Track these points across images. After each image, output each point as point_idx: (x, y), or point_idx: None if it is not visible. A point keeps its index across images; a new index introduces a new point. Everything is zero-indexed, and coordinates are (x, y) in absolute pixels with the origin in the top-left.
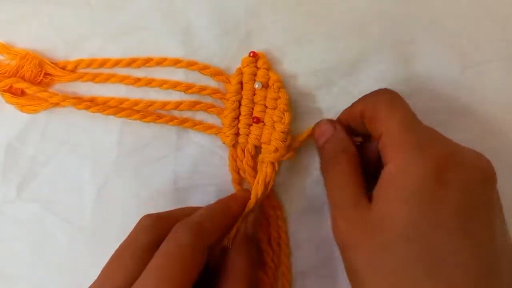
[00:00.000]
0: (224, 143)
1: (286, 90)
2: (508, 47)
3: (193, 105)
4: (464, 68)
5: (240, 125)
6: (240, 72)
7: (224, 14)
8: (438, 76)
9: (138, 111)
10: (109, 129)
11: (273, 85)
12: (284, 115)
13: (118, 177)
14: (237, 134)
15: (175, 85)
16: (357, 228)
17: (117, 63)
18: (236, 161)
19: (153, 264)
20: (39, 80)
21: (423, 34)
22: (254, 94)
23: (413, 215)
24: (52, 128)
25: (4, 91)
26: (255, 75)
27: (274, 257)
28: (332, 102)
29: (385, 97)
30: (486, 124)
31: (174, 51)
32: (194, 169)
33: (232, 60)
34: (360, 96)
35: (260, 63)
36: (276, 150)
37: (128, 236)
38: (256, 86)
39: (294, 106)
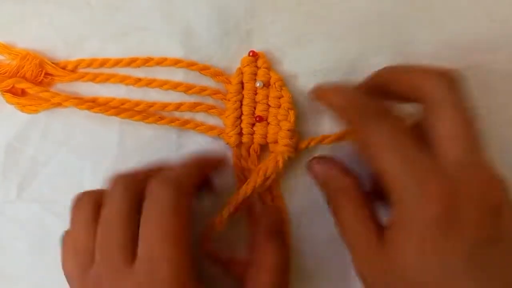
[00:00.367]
0: (227, 143)
1: (288, 88)
2: (508, 47)
3: (194, 106)
4: (464, 68)
5: (242, 125)
6: (241, 72)
7: (224, 14)
8: None
9: (139, 112)
10: (109, 129)
11: (274, 83)
12: (289, 113)
13: None
14: (240, 134)
15: (175, 86)
16: (373, 268)
17: (117, 63)
18: (240, 161)
19: (147, 233)
20: (39, 80)
21: (423, 34)
22: (256, 94)
23: (424, 263)
24: (52, 128)
25: (5, 91)
26: (255, 74)
27: None
28: None
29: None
30: (486, 124)
31: (174, 51)
32: None
33: (232, 60)
34: None
35: (260, 63)
36: (284, 147)
37: (109, 205)
38: (258, 85)
39: (294, 106)
